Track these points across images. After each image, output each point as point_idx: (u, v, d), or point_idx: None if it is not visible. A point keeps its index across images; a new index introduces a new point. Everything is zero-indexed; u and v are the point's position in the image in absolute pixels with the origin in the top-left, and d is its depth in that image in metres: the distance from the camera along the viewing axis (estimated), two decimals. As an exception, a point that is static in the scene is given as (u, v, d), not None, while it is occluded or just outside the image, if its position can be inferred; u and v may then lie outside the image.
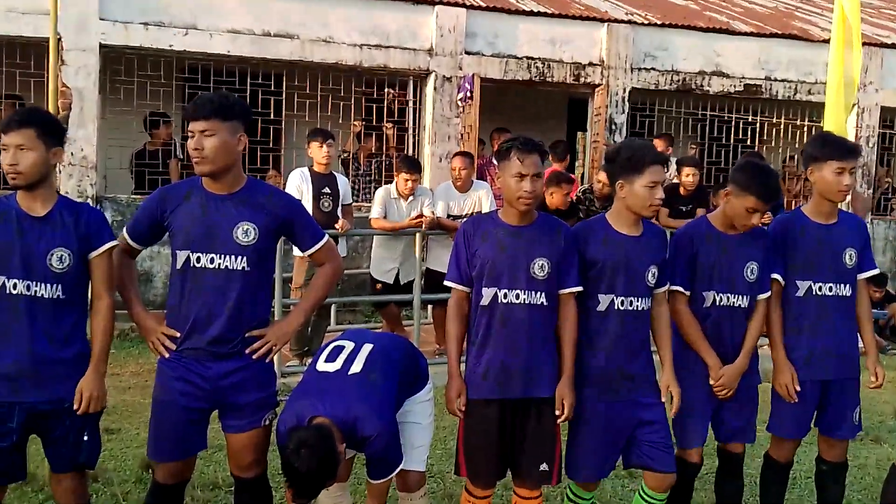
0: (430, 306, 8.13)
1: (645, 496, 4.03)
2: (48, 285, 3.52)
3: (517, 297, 3.79)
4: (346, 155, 10.75)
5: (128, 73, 10.09)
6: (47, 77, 9.06)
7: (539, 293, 3.80)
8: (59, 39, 8.98)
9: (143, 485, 5.18)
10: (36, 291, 3.51)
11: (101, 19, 9.29)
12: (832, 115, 6.14)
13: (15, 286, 3.49)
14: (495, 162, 8.96)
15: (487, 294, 3.81)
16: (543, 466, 3.86)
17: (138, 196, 9.54)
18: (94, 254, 3.60)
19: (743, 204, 3.97)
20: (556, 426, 3.87)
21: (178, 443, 3.71)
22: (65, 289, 3.56)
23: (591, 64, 11.49)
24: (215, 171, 3.62)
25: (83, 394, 3.55)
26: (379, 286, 7.99)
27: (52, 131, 3.59)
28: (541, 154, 3.83)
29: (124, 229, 3.85)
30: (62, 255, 3.53)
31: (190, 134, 3.62)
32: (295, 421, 3.53)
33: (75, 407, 3.55)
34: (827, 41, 10.75)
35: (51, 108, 7.98)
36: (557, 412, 3.82)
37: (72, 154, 9.07)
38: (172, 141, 10.27)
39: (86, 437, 3.64)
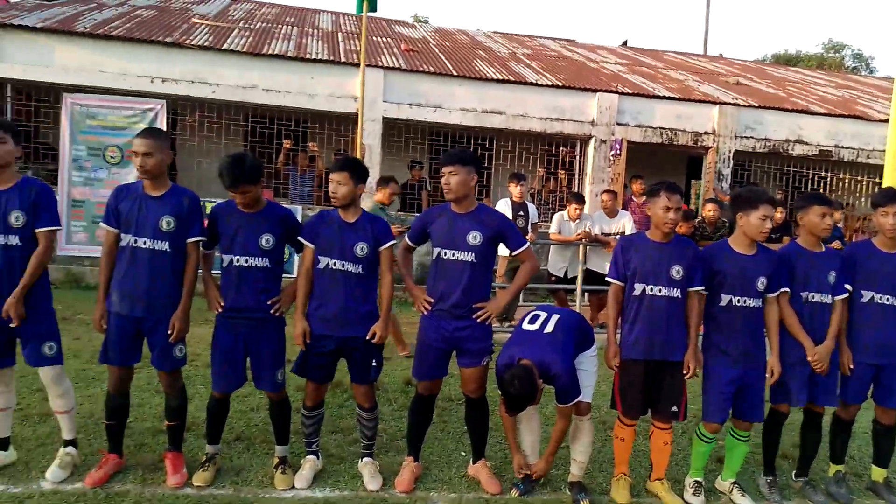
0: (586, 294, 7.97)
1: (735, 434, 3.94)
2: (357, 265, 3.66)
3: (660, 291, 3.69)
4: (533, 190, 10.72)
5: (398, 135, 10.45)
6: (352, 137, 9.53)
7: (675, 289, 3.69)
8: (359, 114, 9.46)
9: (405, 394, 5.35)
10: (349, 269, 3.65)
11: (384, 101, 9.66)
12: (890, 175, 5.61)
13: (335, 264, 3.66)
14: (636, 198, 8.78)
15: (638, 288, 3.73)
16: (674, 408, 3.74)
17: (402, 212, 9.86)
18: (383, 248, 3.73)
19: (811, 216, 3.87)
20: (683, 381, 3.74)
21: (430, 368, 3.79)
22: (364, 268, 3.68)
23: (706, 133, 10.96)
24: (457, 198, 3.70)
25: (376, 333, 3.68)
26: (552, 278, 7.92)
27: (360, 173, 3.74)
28: (681, 194, 3.74)
29: (405, 236, 3.96)
30: (363, 247, 3.68)
31: (442, 174, 3.72)
32: (508, 360, 3.55)
33: (368, 338, 3.67)
34: (882, 121, 9.87)
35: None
36: (685, 371, 3.70)
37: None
38: (424, 179, 10.54)
39: (374, 363, 3.76)
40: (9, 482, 3.54)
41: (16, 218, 3.47)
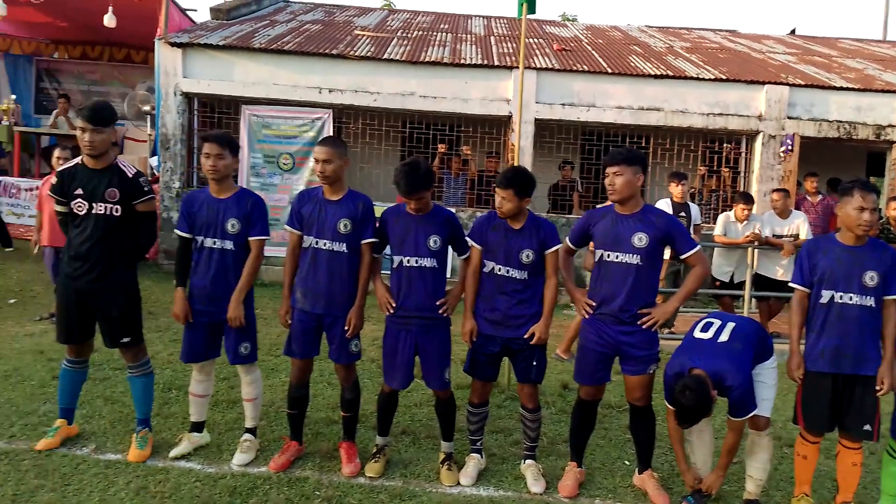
0: (754, 301, 7.49)
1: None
2: (522, 271, 3.66)
3: (850, 298, 3.39)
4: (693, 190, 10.22)
5: (549, 136, 10.38)
6: (504, 140, 9.59)
7: (868, 297, 3.37)
8: (510, 116, 9.49)
9: (563, 397, 5.29)
10: (514, 275, 3.66)
11: (537, 102, 9.62)
12: None
13: (500, 270, 3.68)
14: (811, 197, 8.10)
15: (826, 295, 3.44)
16: (867, 427, 3.41)
17: (553, 214, 9.78)
18: (549, 251, 3.70)
19: None
20: (877, 398, 3.40)
21: (592, 373, 3.71)
22: (529, 274, 3.67)
23: (890, 126, 9.92)
24: (622, 199, 3.59)
25: (535, 334, 3.66)
26: (717, 283, 7.50)
27: (525, 189, 3.69)
28: (877, 194, 3.39)
29: (566, 237, 3.92)
30: (529, 254, 3.66)
31: (606, 175, 3.62)
32: (679, 369, 3.41)
33: (528, 338, 3.66)
34: None
35: (508, 159, 8.46)
36: (878, 387, 3.37)
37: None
38: (575, 180, 10.38)
39: (535, 363, 3.74)
40: (204, 462, 3.89)
41: (232, 225, 3.79)
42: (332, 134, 9.39)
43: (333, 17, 13.01)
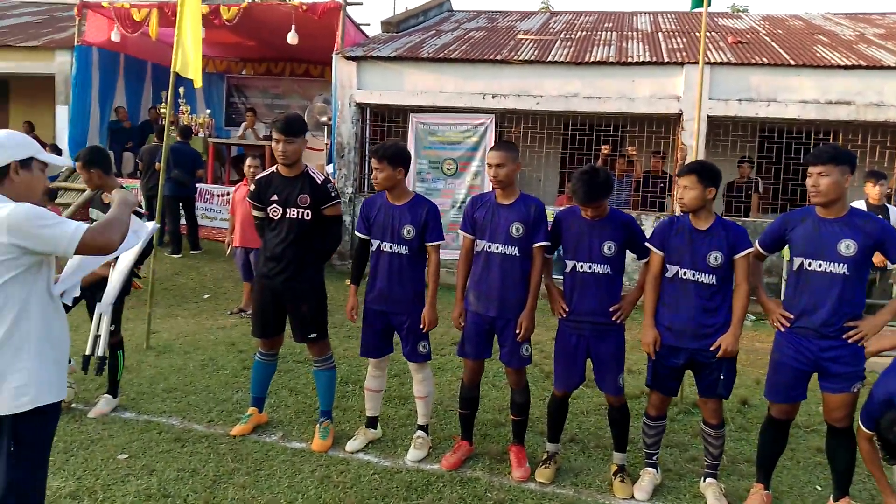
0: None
1: None
2: (710, 275, 3.42)
3: None
4: (889, 191, 9.18)
5: (723, 134, 9.78)
6: (672, 139, 9.17)
7: None
8: (680, 114, 9.05)
9: (742, 413, 4.93)
10: (701, 279, 3.43)
11: (710, 98, 9.09)
12: None
13: (685, 274, 3.47)
14: None
15: None
16: None
17: (728, 217, 9.18)
18: (739, 255, 3.43)
19: None
20: None
21: (788, 390, 3.40)
22: (717, 279, 3.43)
23: None
24: (826, 202, 3.27)
25: (722, 345, 3.42)
26: (923, 293, 6.68)
27: (710, 176, 3.48)
28: None
29: (756, 241, 3.64)
30: (717, 256, 3.43)
31: (809, 175, 3.32)
32: (886, 397, 3.04)
33: (714, 350, 3.43)
34: None
35: (677, 159, 8.07)
36: None
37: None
38: (754, 179, 9.69)
39: (722, 376, 3.48)
40: (380, 456, 4.03)
41: (407, 231, 3.90)
42: (494, 138, 9.47)
43: (496, 23, 13.11)
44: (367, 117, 10.24)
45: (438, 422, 4.55)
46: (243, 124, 12.04)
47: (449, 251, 7.55)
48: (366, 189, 10.18)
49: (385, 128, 10.31)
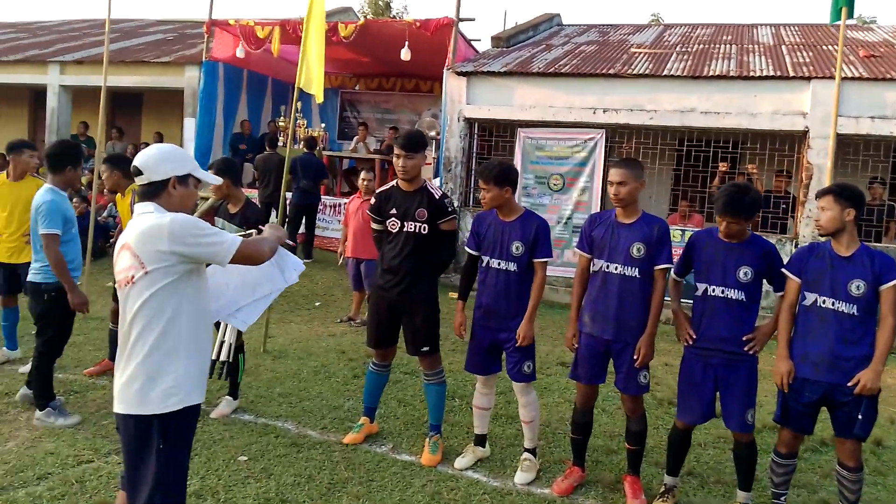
0: None
1: None
2: (851, 305, 3.19)
3: None
4: None
5: (853, 153, 9.16)
6: (797, 157, 8.68)
7: None
8: (806, 131, 8.56)
9: (875, 454, 4.55)
10: (841, 309, 3.21)
11: (840, 115, 8.54)
12: None
13: (825, 302, 3.26)
14: None
15: None
16: None
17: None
18: (884, 287, 3.18)
19: None
20: None
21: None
22: (858, 309, 3.19)
23: None
24: None
25: (861, 381, 3.15)
26: None
27: (849, 196, 3.26)
28: None
29: None
30: (859, 286, 3.20)
31: None
32: None
33: (852, 385, 3.17)
34: None
35: (802, 178, 7.58)
36: None
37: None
38: (888, 204, 9.00)
39: (861, 416, 3.20)
40: (489, 475, 3.98)
41: (516, 248, 3.85)
42: (603, 154, 9.28)
43: (608, 36, 12.89)
44: (475, 132, 10.28)
45: (546, 444, 4.45)
46: (355, 138, 12.39)
47: (552, 268, 7.42)
48: (471, 203, 10.21)
49: (492, 142, 10.32)
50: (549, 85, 9.77)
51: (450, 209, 4.08)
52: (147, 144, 14.43)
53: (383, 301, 4.16)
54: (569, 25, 14.72)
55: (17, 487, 3.47)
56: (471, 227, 4.10)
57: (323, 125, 12.78)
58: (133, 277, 2.39)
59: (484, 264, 3.96)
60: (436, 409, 4.23)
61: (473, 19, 10.53)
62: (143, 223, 2.41)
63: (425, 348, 4.12)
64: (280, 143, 11.41)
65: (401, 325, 4.21)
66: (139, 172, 2.47)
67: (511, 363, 3.92)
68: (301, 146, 10.70)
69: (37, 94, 15.95)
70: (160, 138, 13.91)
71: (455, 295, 4.22)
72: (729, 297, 3.43)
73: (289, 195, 9.53)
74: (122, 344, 2.46)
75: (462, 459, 4.08)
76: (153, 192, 2.47)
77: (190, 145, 12.31)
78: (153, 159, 2.48)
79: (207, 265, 2.56)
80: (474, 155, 10.29)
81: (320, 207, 11.12)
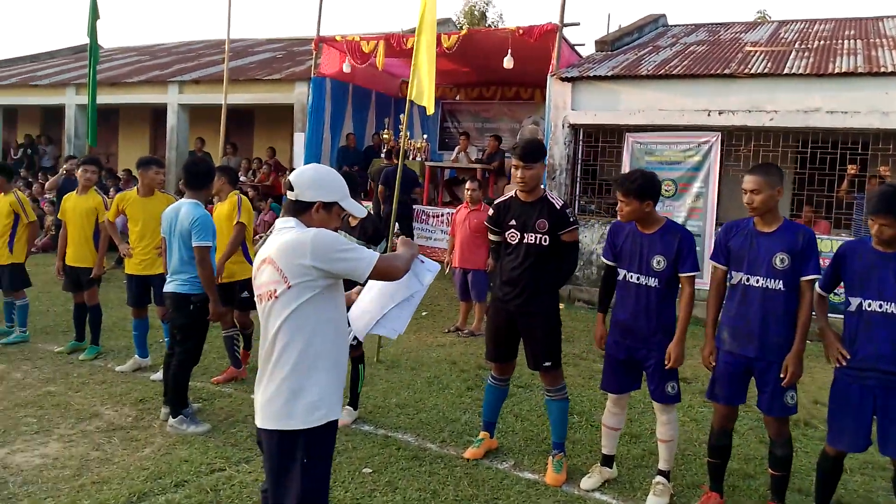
0: None
1: None
2: None
3: None
4: None
5: None
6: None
7: None
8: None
9: None
10: None
11: None
12: None
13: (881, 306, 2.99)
14: None
15: None
16: None
17: None
18: None
19: None
20: None
21: None
22: None
23: None
24: None
25: None
26: None
27: None
28: None
29: None
30: None
31: None
32: None
33: None
34: None
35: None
36: None
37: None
38: None
39: None
40: (618, 497, 3.80)
41: (657, 262, 3.64)
42: (718, 158, 8.84)
43: (718, 35, 12.34)
44: (581, 138, 10.06)
45: (677, 466, 4.20)
46: (457, 148, 12.39)
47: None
48: (576, 210, 9.98)
49: (598, 149, 10.06)
50: (658, 87, 9.43)
51: (572, 219, 3.94)
52: (259, 160, 15.03)
53: (502, 314, 4.06)
54: (675, 26, 14.21)
55: (157, 494, 3.59)
56: (606, 236, 3.94)
57: (425, 136, 12.87)
58: (276, 292, 2.41)
59: (621, 278, 3.78)
60: (559, 427, 4.08)
61: (578, 24, 10.28)
62: (285, 238, 2.43)
63: (547, 363, 3.99)
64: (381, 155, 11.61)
65: (520, 338, 4.09)
66: (291, 188, 2.49)
67: (654, 383, 3.72)
68: (394, 158, 10.87)
69: (156, 113, 16.94)
70: (272, 153, 14.44)
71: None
72: (888, 311, 3.13)
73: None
74: (265, 359, 2.48)
75: (589, 480, 3.91)
76: (298, 209, 2.50)
77: (300, 160, 12.71)
78: (307, 181, 2.51)
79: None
80: (579, 162, 10.06)
81: (422, 217, 11.20)
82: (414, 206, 10.96)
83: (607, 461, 4.02)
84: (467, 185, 7.71)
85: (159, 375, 5.31)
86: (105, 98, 14.45)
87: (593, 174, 10.17)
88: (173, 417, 4.49)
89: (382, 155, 12.20)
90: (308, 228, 2.44)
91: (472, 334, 7.47)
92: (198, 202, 4.66)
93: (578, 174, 10.12)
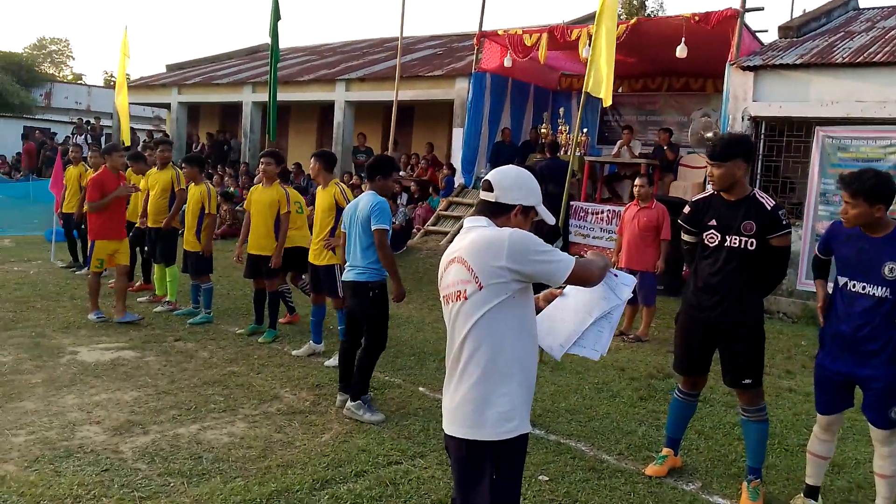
0: None
1: None
2: None
3: None
4: None
5: None
6: None
7: None
8: None
9: None
10: None
11: None
12: None
13: None
14: None
15: None
16: None
17: None
18: None
19: None
20: None
21: None
22: None
23: None
24: None
25: None
26: None
27: None
28: None
29: None
30: None
31: None
32: None
33: None
34: None
35: None
36: None
37: None
38: None
39: None
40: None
41: (890, 270, 3.20)
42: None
43: None
44: (763, 132, 9.26)
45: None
46: (619, 142, 11.87)
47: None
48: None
49: (782, 143, 9.21)
50: (855, 76, 8.48)
51: (784, 222, 3.52)
52: (417, 155, 15.27)
53: (698, 323, 3.72)
54: (869, 9, 12.77)
55: (339, 482, 3.63)
56: (824, 233, 3.56)
57: (584, 130, 12.46)
58: (465, 293, 2.27)
59: (841, 286, 3.36)
60: (756, 451, 3.68)
61: (762, 9, 9.47)
62: (478, 236, 2.29)
63: (747, 381, 3.61)
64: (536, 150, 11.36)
65: (715, 350, 3.74)
66: (490, 188, 2.36)
67: (874, 405, 3.28)
68: (546, 151, 10.57)
69: (323, 110, 17.74)
70: (430, 148, 14.64)
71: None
72: None
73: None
74: (453, 363, 2.35)
75: (795, 512, 3.50)
76: (495, 211, 2.35)
77: (458, 155, 12.77)
78: (510, 182, 2.36)
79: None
80: (761, 157, 9.28)
81: (580, 214, 10.85)
82: (571, 203, 10.62)
83: (811, 492, 3.58)
84: (636, 181, 7.31)
85: (333, 361, 5.46)
86: (278, 96, 15.32)
87: (776, 171, 9.34)
88: (352, 401, 4.55)
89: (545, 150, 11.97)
90: (502, 228, 2.29)
91: (638, 339, 7.09)
92: (374, 192, 4.74)
93: (759, 171, 9.34)
